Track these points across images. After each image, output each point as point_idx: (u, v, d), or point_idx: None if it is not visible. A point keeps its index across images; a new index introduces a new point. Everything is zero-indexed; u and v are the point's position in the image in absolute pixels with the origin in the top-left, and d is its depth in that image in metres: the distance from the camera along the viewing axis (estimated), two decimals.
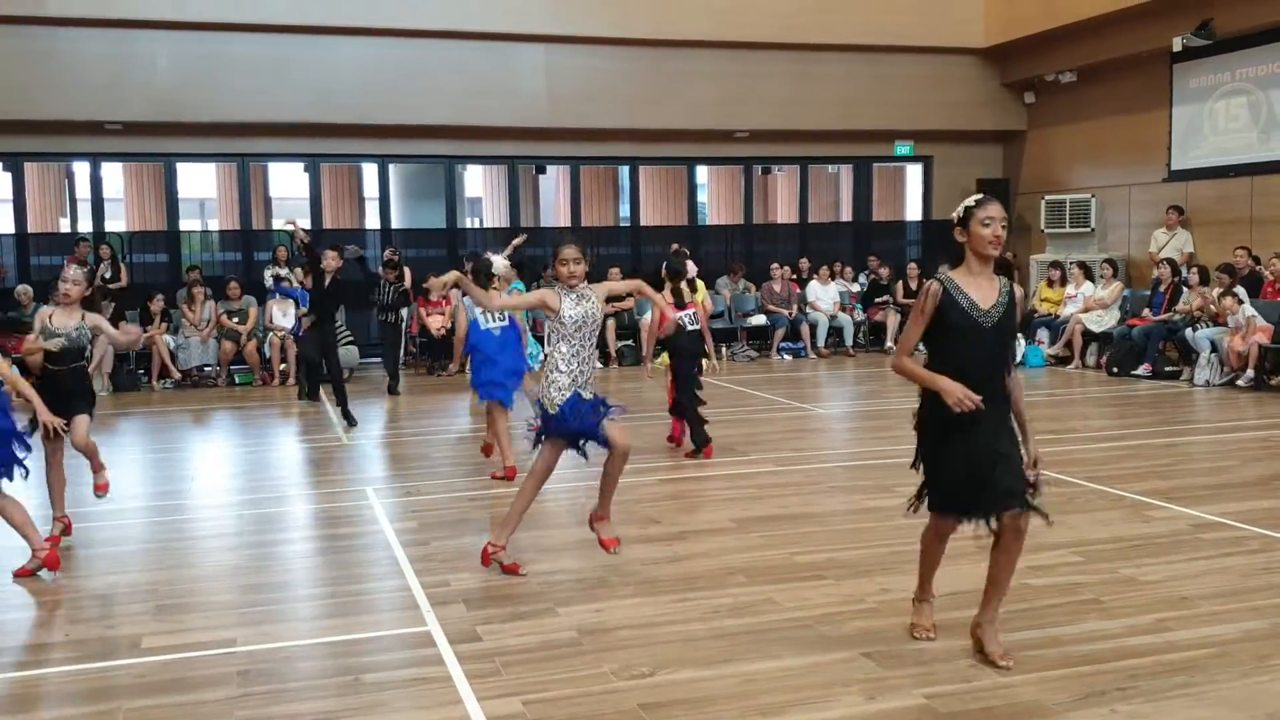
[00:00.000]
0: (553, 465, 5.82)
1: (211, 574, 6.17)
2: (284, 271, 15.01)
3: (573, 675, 4.52)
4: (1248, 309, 12.78)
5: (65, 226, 19.77)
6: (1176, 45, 14.98)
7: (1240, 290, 13.26)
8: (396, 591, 5.71)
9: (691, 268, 9.51)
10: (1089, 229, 17.22)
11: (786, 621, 5.12)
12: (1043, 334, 15.77)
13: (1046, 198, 17.69)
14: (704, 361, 9.11)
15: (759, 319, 17.18)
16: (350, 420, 10.73)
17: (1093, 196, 17.16)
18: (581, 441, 5.72)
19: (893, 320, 17.19)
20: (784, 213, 22.09)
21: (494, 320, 8.16)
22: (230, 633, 5.11)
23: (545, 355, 5.74)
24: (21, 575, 5.98)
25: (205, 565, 6.35)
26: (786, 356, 16.71)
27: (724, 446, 9.33)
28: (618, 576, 5.84)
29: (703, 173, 21.44)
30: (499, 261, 7.48)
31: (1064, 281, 16.10)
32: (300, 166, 17.14)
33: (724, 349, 16.72)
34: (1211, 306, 13.35)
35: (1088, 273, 15.87)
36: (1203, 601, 5.31)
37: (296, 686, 4.49)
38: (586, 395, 5.64)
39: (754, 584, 5.66)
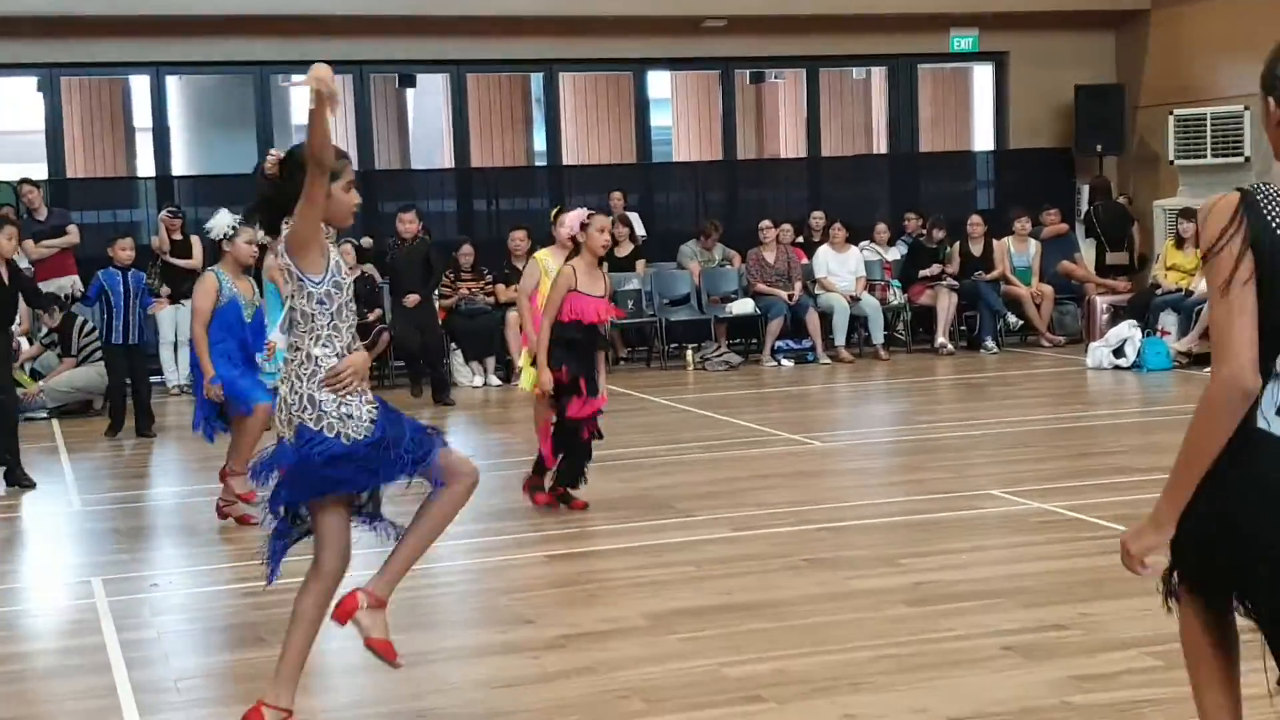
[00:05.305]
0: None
1: None
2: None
3: None
4: None
5: None
6: None
7: None
8: None
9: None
10: (1242, 157, 13.77)
11: None
12: (1168, 320, 12.62)
13: (1176, 112, 14.39)
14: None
15: (745, 305, 13.79)
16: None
17: (1246, 109, 13.65)
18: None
19: (946, 302, 13.93)
20: (787, 143, 18.84)
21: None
22: None
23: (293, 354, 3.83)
24: None
25: None
26: (786, 362, 13.52)
27: (662, 502, 7.92)
28: (440, 709, 4.50)
29: (660, 83, 17.84)
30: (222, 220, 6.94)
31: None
32: (33, 83, 13.57)
33: (690, 352, 13.70)
34: None
35: None
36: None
37: None
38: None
39: (653, 714, 4.43)
